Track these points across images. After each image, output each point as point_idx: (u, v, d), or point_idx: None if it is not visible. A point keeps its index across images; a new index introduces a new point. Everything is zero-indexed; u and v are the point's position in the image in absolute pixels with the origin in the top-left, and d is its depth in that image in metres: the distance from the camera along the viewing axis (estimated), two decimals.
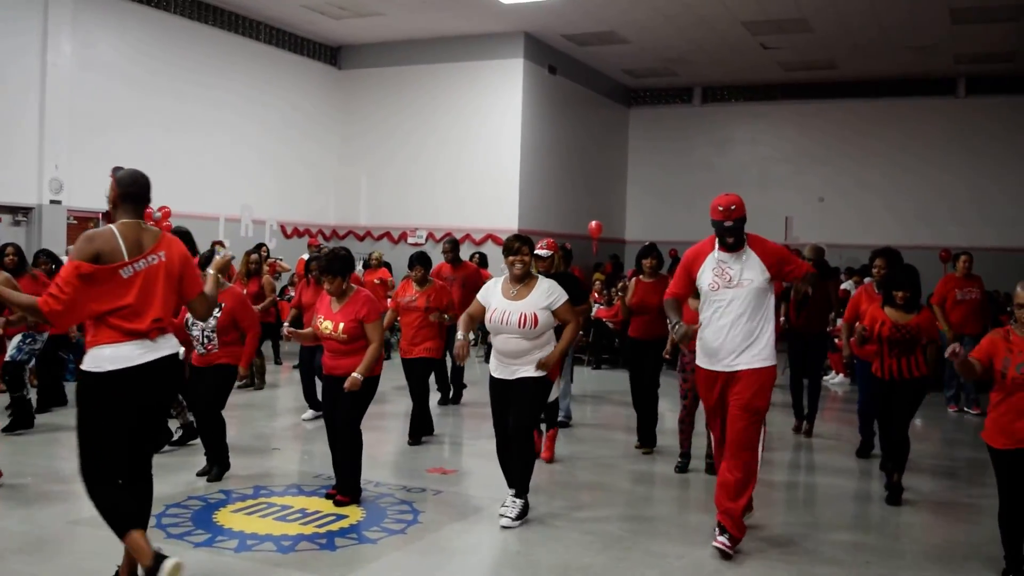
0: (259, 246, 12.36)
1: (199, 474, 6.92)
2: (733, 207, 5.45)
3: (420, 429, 8.45)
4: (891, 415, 6.73)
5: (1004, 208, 19.37)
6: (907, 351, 6.65)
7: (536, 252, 7.74)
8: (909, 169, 20.23)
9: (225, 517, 5.97)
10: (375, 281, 12.46)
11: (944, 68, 19.18)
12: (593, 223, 16.85)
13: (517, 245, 5.91)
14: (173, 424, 7.97)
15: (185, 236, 9.56)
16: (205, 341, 6.80)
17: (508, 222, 17.47)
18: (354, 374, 6.11)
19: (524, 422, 5.92)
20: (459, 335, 5.99)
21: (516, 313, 5.78)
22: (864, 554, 5.61)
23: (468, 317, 6.08)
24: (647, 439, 8.36)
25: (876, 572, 5.30)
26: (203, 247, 13.40)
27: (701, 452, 7.58)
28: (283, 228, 17.84)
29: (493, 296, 5.96)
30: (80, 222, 14.19)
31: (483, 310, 5.98)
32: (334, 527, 5.80)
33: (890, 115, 20.41)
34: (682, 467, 7.55)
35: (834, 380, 13.10)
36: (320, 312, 6.40)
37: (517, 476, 6.00)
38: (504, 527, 5.84)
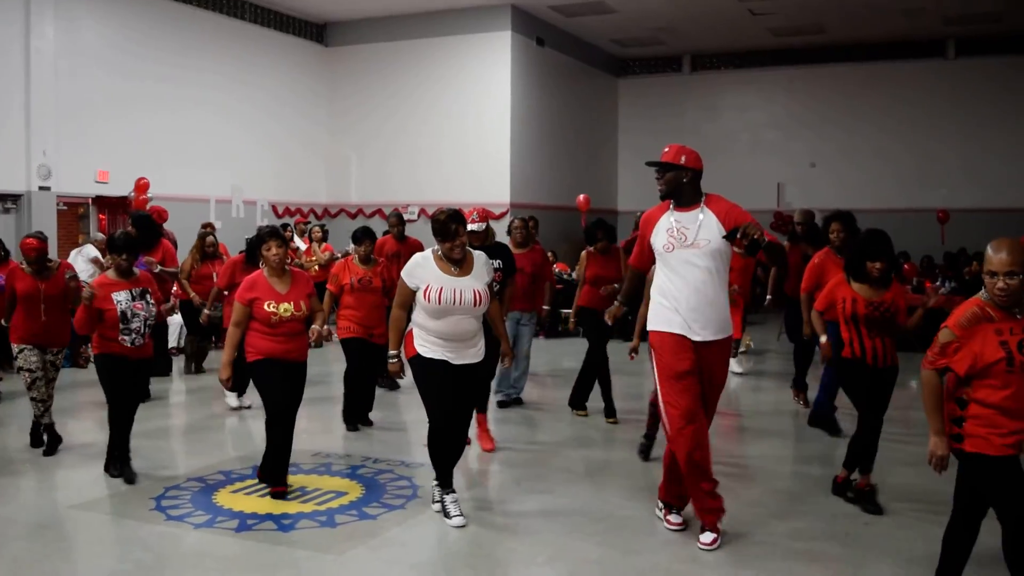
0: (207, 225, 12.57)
1: (111, 475, 6.40)
2: (665, 150, 5.15)
3: (361, 412, 8.12)
4: (865, 399, 5.86)
5: (996, 169, 19.35)
6: (888, 331, 5.79)
7: (468, 227, 6.80)
8: (900, 132, 20.19)
9: (225, 497, 5.97)
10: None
11: (933, 30, 19.10)
12: (581, 196, 16.89)
13: (454, 227, 5.31)
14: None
15: (143, 220, 9.58)
16: (146, 332, 6.35)
17: (499, 196, 17.42)
18: (315, 326, 6.11)
19: (469, 410, 5.67)
20: (391, 352, 5.56)
21: (469, 290, 5.31)
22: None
23: (399, 318, 5.52)
24: (608, 410, 8.40)
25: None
26: (195, 229, 13.45)
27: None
28: (274, 208, 17.78)
29: (428, 273, 5.35)
30: (70, 207, 14.13)
31: (412, 295, 5.40)
32: (334, 504, 5.82)
33: (880, 79, 20.33)
34: (646, 450, 6.98)
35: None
36: (267, 298, 5.92)
37: (452, 467, 5.57)
38: (461, 527, 5.40)
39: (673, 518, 5.41)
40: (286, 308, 5.92)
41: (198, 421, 8.48)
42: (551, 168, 19.21)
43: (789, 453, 7.54)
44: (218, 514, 5.62)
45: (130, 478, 6.34)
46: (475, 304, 5.32)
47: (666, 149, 5.16)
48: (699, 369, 5.08)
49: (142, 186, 13.49)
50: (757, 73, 21.54)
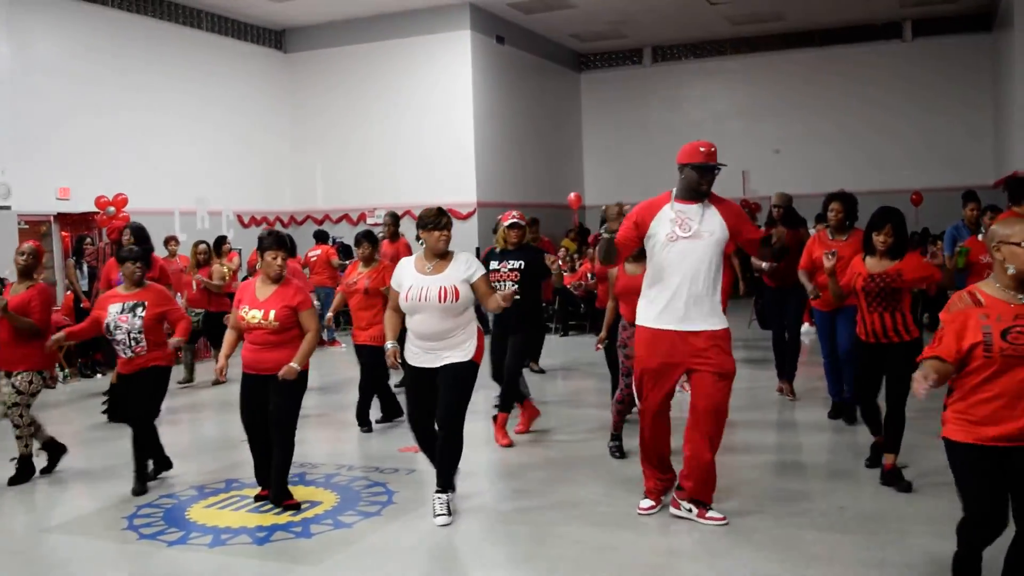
0: (222, 239, 12.47)
1: (133, 493, 6.32)
2: (714, 150, 5.27)
3: (378, 413, 8.35)
4: (872, 384, 6.04)
5: (955, 147, 19.52)
6: (890, 304, 5.77)
7: (515, 222, 7.52)
8: (862, 115, 20.33)
9: (198, 513, 5.91)
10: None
11: (889, 12, 19.25)
12: (572, 195, 17.12)
13: (445, 220, 5.51)
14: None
15: (141, 230, 9.44)
16: (133, 344, 6.30)
17: (467, 195, 17.40)
18: (291, 364, 5.69)
19: (454, 412, 5.51)
20: (387, 344, 5.65)
21: (435, 287, 5.39)
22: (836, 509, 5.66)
23: (391, 317, 5.73)
24: None
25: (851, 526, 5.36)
26: (158, 243, 13.30)
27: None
28: (240, 218, 17.64)
29: (406, 276, 5.53)
30: (32, 225, 13.94)
31: (398, 297, 5.58)
32: (308, 514, 5.77)
33: (839, 63, 20.46)
34: (619, 449, 6.91)
35: (802, 330, 13.11)
36: (244, 302, 5.87)
37: (446, 470, 5.63)
38: (443, 525, 5.46)
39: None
40: (253, 315, 5.76)
41: (173, 436, 8.36)
42: (517, 165, 19.20)
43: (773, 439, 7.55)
44: (191, 530, 5.56)
45: (136, 490, 6.34)
46: (440, 300, 5.37)
47: (713, 149, 5.26)
48: (684, 359, 5.22)
49: (120, 202, 13.18)
50: (718, 62, 21.61)
